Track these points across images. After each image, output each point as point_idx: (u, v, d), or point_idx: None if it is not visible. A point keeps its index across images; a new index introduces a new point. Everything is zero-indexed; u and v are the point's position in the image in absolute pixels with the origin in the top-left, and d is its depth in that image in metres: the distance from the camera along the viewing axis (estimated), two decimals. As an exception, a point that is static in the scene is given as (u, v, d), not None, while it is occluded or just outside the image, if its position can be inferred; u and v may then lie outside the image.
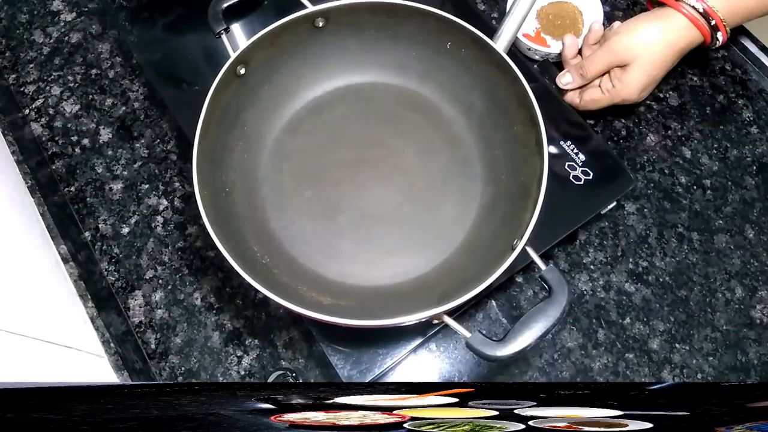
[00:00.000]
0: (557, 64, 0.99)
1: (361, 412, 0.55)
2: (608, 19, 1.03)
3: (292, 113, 0.89)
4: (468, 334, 0.64)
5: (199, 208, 0.68)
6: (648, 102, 0.99)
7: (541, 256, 0.68)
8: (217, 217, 0.71)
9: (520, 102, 0.76)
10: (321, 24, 0.83)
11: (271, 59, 0.83)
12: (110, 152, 0.98)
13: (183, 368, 0.85)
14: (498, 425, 0.54)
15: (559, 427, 0.54)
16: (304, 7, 0.81)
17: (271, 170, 0.85)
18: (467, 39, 0.80)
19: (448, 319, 0.67)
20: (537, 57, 1.00)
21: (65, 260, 0.90)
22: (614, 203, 0.88)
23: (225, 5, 0.82)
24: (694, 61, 0.99)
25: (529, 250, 0.69)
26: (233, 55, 0.77)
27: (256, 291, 0.64)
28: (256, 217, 0.82)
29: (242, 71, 0.80)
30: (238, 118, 0.83)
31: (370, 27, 0.85)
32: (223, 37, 0.81)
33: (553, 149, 0.88)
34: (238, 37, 0.95)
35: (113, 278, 0.91)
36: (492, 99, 0.82)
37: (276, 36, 0.80)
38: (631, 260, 0.90)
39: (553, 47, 0.99)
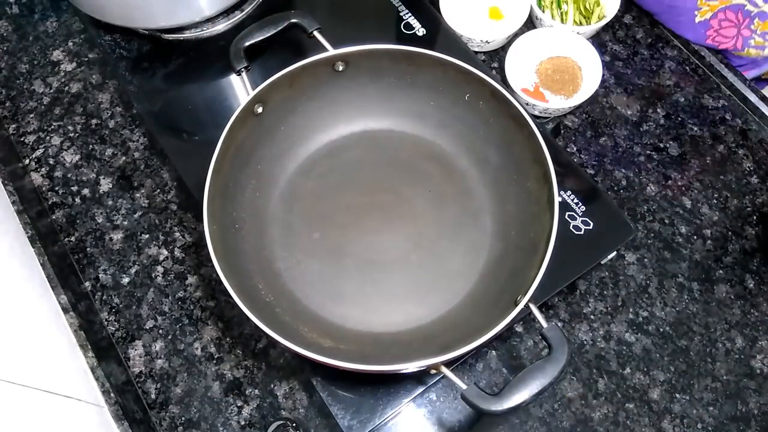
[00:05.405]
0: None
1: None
2: (608, 70, 1.09)
3: (306, 155, 0.93)
4: (464, 386, 0.67)
5: (207, 242, 0.73)
6: (648, 152, 1.05)
7: (542, 306, 0.72)
8: (224, 253, 0.75)
9: (535, 158, 0.80)
10: (341, 68, 0.87)
11: (289, 100, 0.88)
12: (110, 202, 1.05)
13: (183, 418, 0.91)
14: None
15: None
16: (325, 50, 0.85)
17: (281, 210, 0.90)
18: (486, 91, 0.84)
19: (445, 370, 0.70)
20: (536, 112, 1.04)
21: (65, 310, 0.95)
22: (614, 253, 0.93)
23: (247, 43, 0.86)
24: (695, 111, 1.05)
25: (532, 306, 0.72)
26: (252, 93, 0.81)
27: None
28: (263, 256, 0.86)
29: (260, 110, 0.84)
30: (252, 156, 0.87)
31: (390, 74, 0.90)
32: (243, 75, 0.85)
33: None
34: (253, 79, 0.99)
35: (113, 328, 0.96)
36: (507, 153, 0.87)
37: (295, 77, 0.85)
38: (631, 310, 0.95)
39: (552, 102, 1.04)
